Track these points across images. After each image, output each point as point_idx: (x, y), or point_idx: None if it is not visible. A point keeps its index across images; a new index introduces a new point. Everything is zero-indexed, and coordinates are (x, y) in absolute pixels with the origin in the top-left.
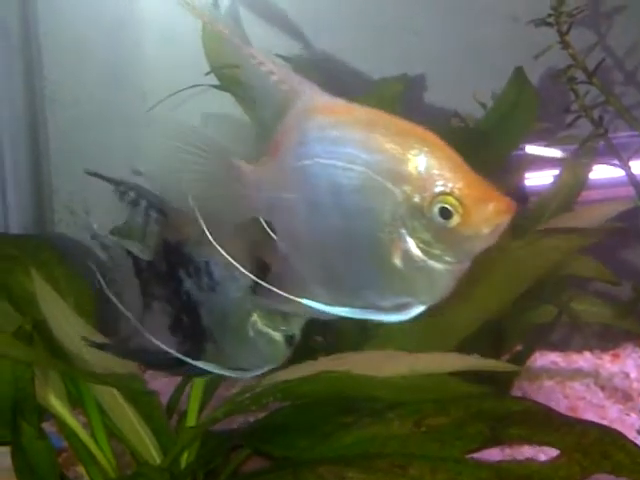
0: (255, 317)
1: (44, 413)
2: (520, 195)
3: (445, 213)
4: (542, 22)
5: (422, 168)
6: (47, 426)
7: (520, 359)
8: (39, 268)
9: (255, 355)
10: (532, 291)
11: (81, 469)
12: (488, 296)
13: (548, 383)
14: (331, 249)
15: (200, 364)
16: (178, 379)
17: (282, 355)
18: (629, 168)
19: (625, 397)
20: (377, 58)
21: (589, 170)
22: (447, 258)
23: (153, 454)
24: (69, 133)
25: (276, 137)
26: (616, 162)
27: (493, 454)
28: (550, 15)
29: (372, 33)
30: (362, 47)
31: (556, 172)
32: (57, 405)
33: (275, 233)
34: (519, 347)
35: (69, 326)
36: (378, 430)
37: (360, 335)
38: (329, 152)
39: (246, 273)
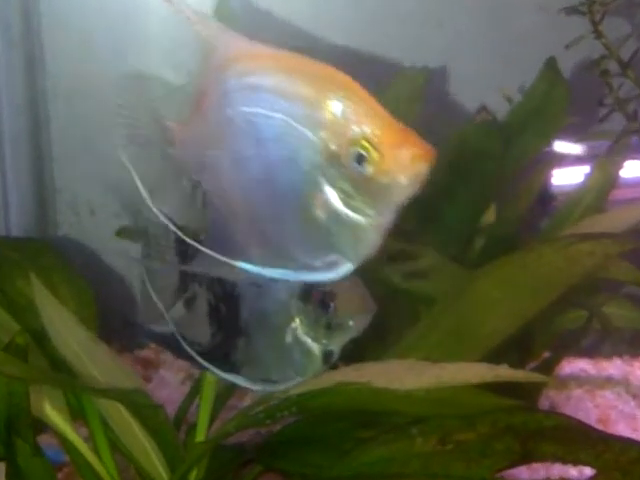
0: (297, 324)
1: (43, 425)
2: (547, 195)
3: (361, 159)
4: (574, 10)
5: (338, 113)
6: (47, 438)
7: (548, 367)
8: (39, 273)
9: (287, 363)
10: (562, 295)
11: None
12: (518, 304)
13: (577, 392)
14: (258, 205)
15: (224, 374)
16: (186, 388)
17: (316, 369)
18: None
19: None
20: (400, 49)
21: (620, 168)
22: (368, 210)
23: (159, 470)
24: (72, 130)
25: (198, 90)
26: None
27: (521, 471)
28: (583, 3)
29: (395, 24)
30: (386, 38)
31: (586, 170)
32: (56, 418)
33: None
34: (546, 354)
35: (69, 334)
36: (399, 447)
37: (380, 344)
38: (250, 100)
39: (183, 236)
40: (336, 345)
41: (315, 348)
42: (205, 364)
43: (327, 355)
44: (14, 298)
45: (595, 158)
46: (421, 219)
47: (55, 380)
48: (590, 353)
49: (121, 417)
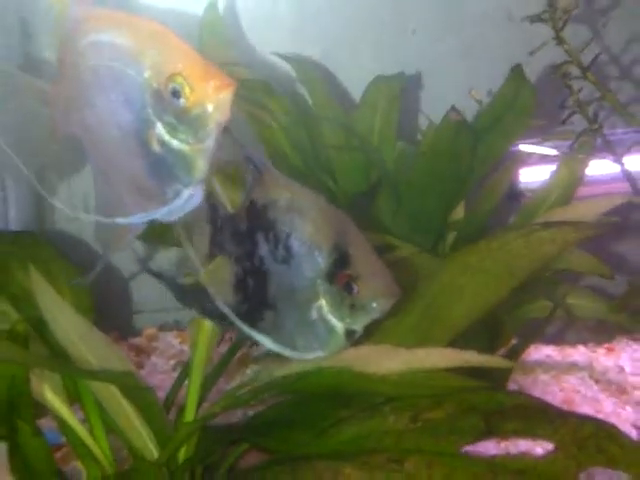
0: (323, 302)
1: (42, 409)
2: (515, 191)
3: (177, 94)
4: (537, 18)
5: (157, 57)
6: (46, 421)
7: (515, 353)
8: (37, 264)
9: (311, 338)
10: (527, 286)
11: (79, 464)
12: (483, 289)
13: (543, 377)
14: (115, 150)
15: (257, 335)
16: (176, 374)
17: (338, 346)
18: (624, 164)
19: (620, 390)
20: (375, 57)
21: (585, 166)
22: (190, 139)
23: (151, 449)
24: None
25: (59, 51)
26: (611, 157)
27: (489, 448)
28: (545, 12)
29: (370, 32)
30: (360, 46)
31: (552, 168)
32: (54, 401)
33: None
34: (514, 341)
35: (67, 323)
36: (374, 425)
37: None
38: (94, 55)
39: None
40: (359, 325)
41: (339, 327)
42: (252, 332)
43: (350, 334)
44: (13, 289)
45: (560, 157)
46: (396, 214)
47: (52, 364)
48: (556, 340)
49: (114, 400)
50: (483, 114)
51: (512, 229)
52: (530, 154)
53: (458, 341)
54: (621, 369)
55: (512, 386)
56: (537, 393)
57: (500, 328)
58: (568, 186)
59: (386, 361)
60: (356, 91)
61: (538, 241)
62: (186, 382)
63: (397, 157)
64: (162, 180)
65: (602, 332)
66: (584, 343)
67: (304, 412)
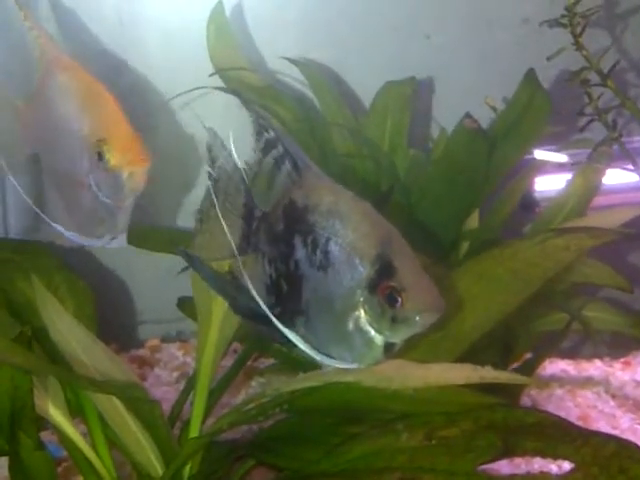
0: (361, 313)
1: (43, 422)
2: (530, 201)
3: (100, 157)
4: (555, 23)
5: (93, 119)
6: (47, 434)
7: (530, 367)
8: (39, 274)
9: (346, 349)
10: (542, 298)
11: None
12: (496, 298)
13: (558, 391)
14: (65, 185)
15: (296, 338)
16: (181, 386)
17: (376, 359)
18: None
19: (636, 406)
20: (386, 62)
21: (602, 175)
22: (109, 197)
23: (155, 465)
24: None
25: (38, 79)
26: (630, 167)
27: (502, 466)
28: (564, 16)
29: (383, 36)
30: (371, 50)
31: (568, 177)
32: (56, 414)
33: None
34: (528, 355)
35: (69, 333)
36: (386, 442)
37: None
38: (57, 100)
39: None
40: (399, 338)
41: (377, 339)
42: (286, 332)
43: (388, 347)
44: (15, 298)
45: (577, 165)
46: (408, 223)
47: (58, 372)
48: (571, 354)
49: (118, 414)
50: (498, 121)
51: (526, 237)
52: (545, 162)
53: (470, 354)
54: (638, 384)
55: (526, 401)
56: (551, 408)
57: (514, 341)
58: (584, 196)
59: (399, 377)
60: (366, 97)
61: (552, 248)
62: (190, 395)
63: (409, 165)
64: (90, 221)
65: (618, 346)
66: (600, 357)
67: (313, 428)
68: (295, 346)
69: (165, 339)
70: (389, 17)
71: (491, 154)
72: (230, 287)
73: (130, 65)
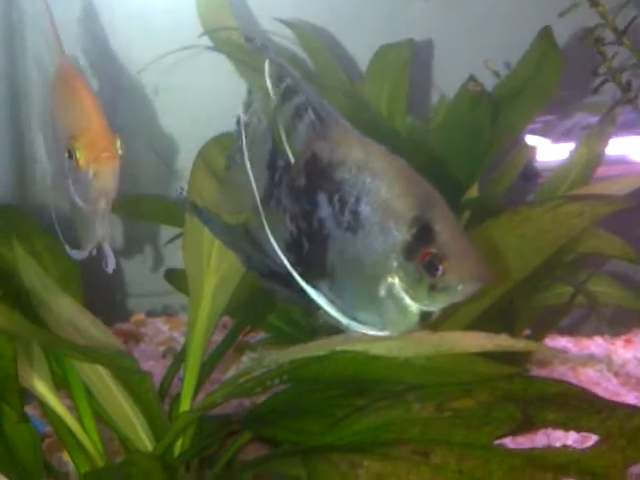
0: (395, 280)
1: (26, 395)
2: (531, 171)
3: (70, 155)
4: None
5: (70, 117)
6: (29, 409)
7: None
8: (21, 240)
9: (377, 316)
10: (546, 270)
11: (66, 456)
12: (506, 266)
13: (560, 369)
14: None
15: (321, 299)
16: (167, 362)
17: (410, 328)
18: None
19: None
20: (383, 24)
21: (606, 144)
22: (82, 199)
23: (144, 440)
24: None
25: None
26: None
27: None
28: None
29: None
30: (367, 12)
31: (571, 146)
32: (40, 386)
33: None
34: (527, 331)
35: (53, 302)
36: (396, 414)
37: None
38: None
39: None
40: (436, 307)
41: (413, 307)
42: (323, 301)
43: (425, 316)
44: None
45: (581, 134)
46: None
47: (45, 337)
48: (571, 331)
49: (105, 386)
50: (504, 84)
51: (536, 204)
52: (550, 130)
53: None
54: None
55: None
56: None
57: (514, 317)
58: (587, 165)
59: (410, 345)
60: (362, 61)
61: (565, 215)
62: (179, 370)
63: (407, 132)
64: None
65: (619, 323)
66: (600, 334)
67: (313, 400)
68: (317, 309)
69: (151, 313)
70: None
71: (496, 119)
72: (243, 242)
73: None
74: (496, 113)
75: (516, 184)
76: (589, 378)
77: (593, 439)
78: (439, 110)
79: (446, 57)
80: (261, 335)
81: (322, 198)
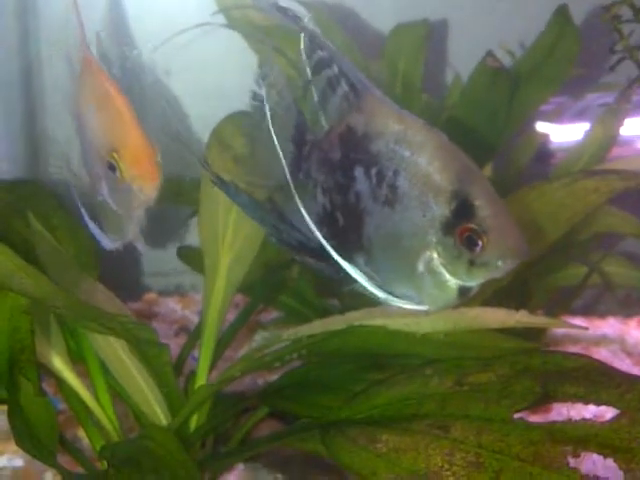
0: (434, 255)
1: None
2: (545, 152)
3: (112, 167)
4: None
5: (110, 130)
6: (43, 386)
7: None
8: (36, 215)
9: (416, 290)
10: (561, 249)
11: (81, 432)
12: None
13: (573, 349)
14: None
15: (357, 273)
16: (180, 340)
17: (449, 303)
18: None
19: None
20: (399, 3)
21: (621, 124)
22: (121, 206)
23: (159, 415)
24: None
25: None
26: None
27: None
28: None
29: None
30: None
31: (586, 127)
32: (56, 361)
33: None
34: (540, 312)
35: (69, 278)
36: (414, 389)
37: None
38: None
39: None
40: (476, 282)
41: (452, 282)
42: (359, 275)
43: (464, 291)
44: (11, 237)
45: (596, 114)
46: None
47: (70, 302)
48: (584, 312)
49: (120, 361)
50: (521, 62)
51: (552, 179)
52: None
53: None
54: None
55: None
56: None
57: (528, 297)
58: (602, 146)
59: (428, 320)
60: (378, 40)
61: (582, 191)
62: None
63: (422, 110)
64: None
65: (632, 304)
66: (613, 315)
67: (330, 375)
68: (353, 282)
69: (162, 292)
70: None
71: (513, 96)
72: (272, 216)
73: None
74: (513, 90)
75: (530, 165)
76: (602, 358)
77: (612, 413)
78: (454, 89)
79: (461, 37)
80: (273, 314)
81: (358, 171)
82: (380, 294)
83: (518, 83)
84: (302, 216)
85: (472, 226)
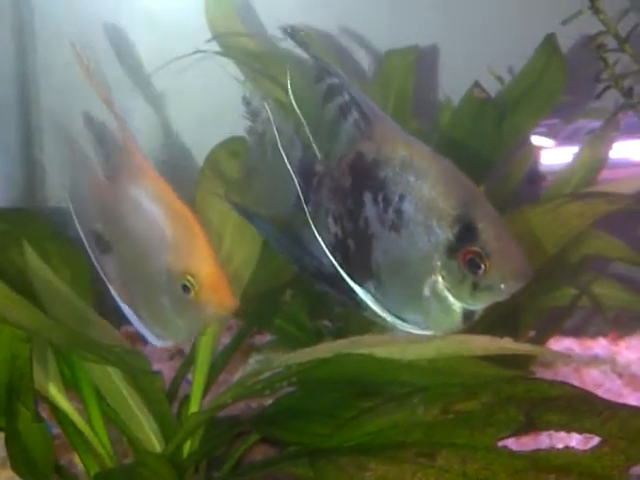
0: (439, 278)
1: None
2: (536, 174)
3: (186, 289)
4: None
5: (180, 252)
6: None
7: (537, 344)
8: (31, 242)
9: (422, 315)
10: (550, 271)
11: (75, 457)
12: None
13: (564, 370)
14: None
15: (369, 299)
16: (175, 363)
17: (453, 327)
18: None
19: None
20: (389, 30)
21: (610, 148)
22: (189, 326)
23: (153, 441)
24: (62, 100)
25: (117, 164)
26: None
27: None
28: None
29: (384, 2)
30: (374, 18)
31: (575, 150)
32: (50, 387)
33: None
34: (532, 333)
35: (64, 306)
36: (401, 417)
37: (370, 321)
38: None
39: None
40: (479, 306)
41: (456, 306)
42: (371, 301)
43: (468, 315)
44: (5, 267)
45: (585, 137)
46: None
47: (63, 334)
48: (575, 332)
49: (114, 387)
50: (508, 90)
51: (537, 204)
52: (554, 134)
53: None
54: None
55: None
56: None
57: (519, 318)
58: (591, 169)
59: (413, 348)
60: (369, 66)
61: (566, 215)
62: (188, 373)
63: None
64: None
65: (622, 324)
66: (604, 335)
67: (321, 402)
68: (364, 309)
69: None
70: None
71: (500, 124)
72: (295, 246)
73: None
74: (501, 119)
75: (521, 187)
76: (593, 379)
77: (596, 440)
78: (444, 114)
79: (451, 62)
80: (267, 337)
81: (367, 198)
82: (389, 319)
83: (506, 110)
84: (315, 245)
85: (475, 249)
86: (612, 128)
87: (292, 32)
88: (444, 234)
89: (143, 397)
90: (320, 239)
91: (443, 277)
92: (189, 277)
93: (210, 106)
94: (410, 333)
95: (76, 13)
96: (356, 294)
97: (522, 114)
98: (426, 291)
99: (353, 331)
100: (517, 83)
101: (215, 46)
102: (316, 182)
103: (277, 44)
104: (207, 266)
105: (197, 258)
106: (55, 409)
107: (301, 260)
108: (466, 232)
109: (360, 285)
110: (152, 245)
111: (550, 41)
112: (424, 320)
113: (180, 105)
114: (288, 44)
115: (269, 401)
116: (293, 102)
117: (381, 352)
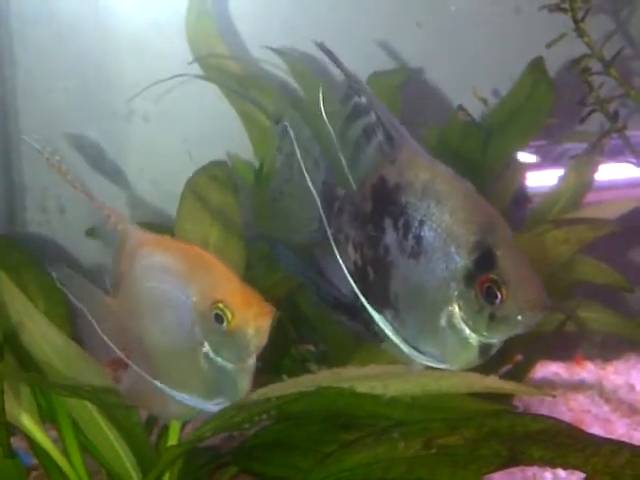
0: (455, 308)
1: (11, 428)
2: (522, 197)
3: (219, 318)
4: (556, 8)
5: (203, 283)
6: (15, 441)
7: (522, 370)
8: (8, 271)
9: (438, 347)
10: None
11: None
12: None
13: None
14: (169, 367)
15: (389, 329)
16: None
17: (470, 360)
18: None
19: (632, 410)
20: (377, 50)
21: (595, 170)
22: (232, 359)
23: (131, 473)
24: (43, 125)
25: (119, 270)
26: (632, 160)
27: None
28: (564, 1)
29: (371, 25)
30: (359, 39)
31: (561, 172)
32: (26, 420)
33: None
34: (519, 357)
35: (40, 334)
36: (382, 452)
37: (353, 343)
38: (152, 279)
39: None
40: (497, 339)
41: (473, 338)
42: (391, 332)
43: (485, 348)
44: None
45: (571, 160)
46: None
47: (30, 379)
48: (562, 357)
49: (92, 419)
50: (495, 112)
51: (523, 230)
52: (540, 157)
53: None
54: (632, 388)
55: (517, 405)
56: (544, 413)
57: (507, 343)
58: (577, 191)
59: (396, 383)
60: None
61: (552, 242)
62: None
63: None
64: (206, 393)
65: (610, 349)
66: (592, 360)
67: (300, 435)
68: (382, 340)
69: None
70: (379, 5)
71: (486, 146)
72: (315, 274)
73: None
74: (487, 141)
75: (507, 209)
76: (580, 404)
77: (581, 475)
78: (431, 136)
79: (437, 84)
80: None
81: (388, 223)
82: (407, 351)
83: (492, 133)
84: (335, 273)
85: (492, 276)
86: (597, 152)
87: (325, 48)
88: (462, 261)
89: (120, 430)
90: (343, 266)
91: (460, 307)
92: (219, 305)
93: (194, 128)
94: (426, 366)
95: (57, 37)
96: (374, 324)
97: (509, 137)
98: (443, 322)
99: (337, 355)
100: (504, 105)
101: (197, 68)
102: (337, 207)
103: (259, 66)
104: (231, 287)
105: (219, 285)
106: (31, 441)
107: (320, 289)
108: (484, 259)
109: (380, 314)
110: (177, 299)
111: (537, 64)
112: (440, 353)
113: (164, 128)
114: (270, 66)
115: (250, 432)
116: (327, 122)
117: (363, 387)
